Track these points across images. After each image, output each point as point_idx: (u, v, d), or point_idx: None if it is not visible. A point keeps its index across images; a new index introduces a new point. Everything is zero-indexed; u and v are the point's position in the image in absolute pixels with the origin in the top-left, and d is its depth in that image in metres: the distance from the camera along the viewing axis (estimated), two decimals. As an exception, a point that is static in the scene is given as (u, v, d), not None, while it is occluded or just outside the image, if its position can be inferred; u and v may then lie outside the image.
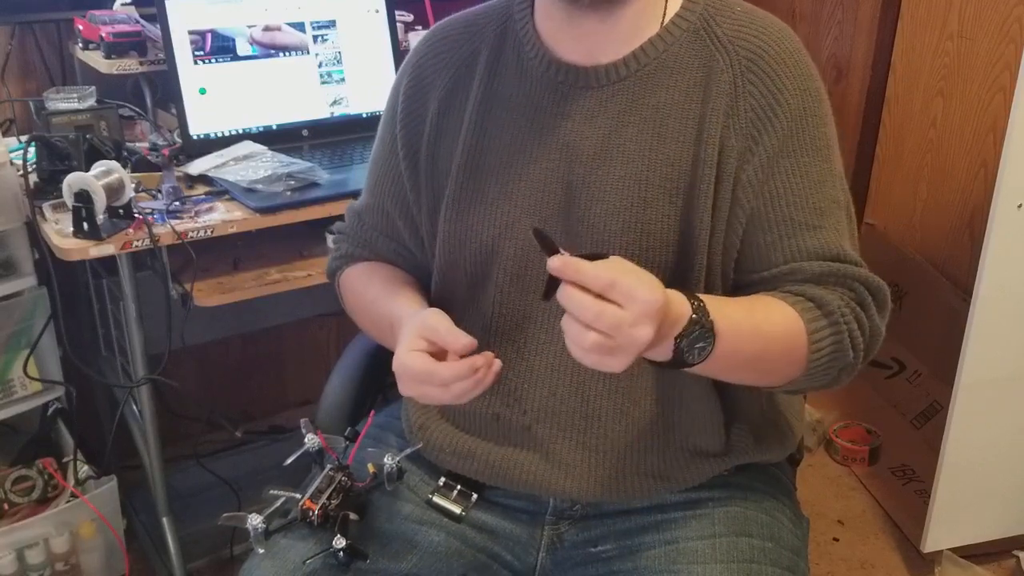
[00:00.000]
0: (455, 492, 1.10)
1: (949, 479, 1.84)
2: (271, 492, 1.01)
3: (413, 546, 1.06)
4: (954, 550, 1.92)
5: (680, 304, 0.87)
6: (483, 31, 1.09)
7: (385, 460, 1.05)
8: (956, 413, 1.79)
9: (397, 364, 0.94)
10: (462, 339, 0.93)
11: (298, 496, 1.01)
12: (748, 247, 1.01)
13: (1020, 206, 1.65)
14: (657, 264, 0.99)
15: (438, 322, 0.95)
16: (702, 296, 0.91)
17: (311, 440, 1.05)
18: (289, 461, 1.05)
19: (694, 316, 0.87)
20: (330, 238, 1.29)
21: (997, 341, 1.75)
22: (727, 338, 0.90)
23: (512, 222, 1.04)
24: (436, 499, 1.10)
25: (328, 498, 1.00)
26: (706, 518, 1.05)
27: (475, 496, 1.10)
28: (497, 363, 0.92)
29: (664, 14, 1.02)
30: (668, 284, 0.86)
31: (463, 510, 1.09)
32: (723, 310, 0.91)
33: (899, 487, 2.21)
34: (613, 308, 0.79)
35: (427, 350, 0.93)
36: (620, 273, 0.80)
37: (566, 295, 0.80)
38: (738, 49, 1.00)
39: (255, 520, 0.98)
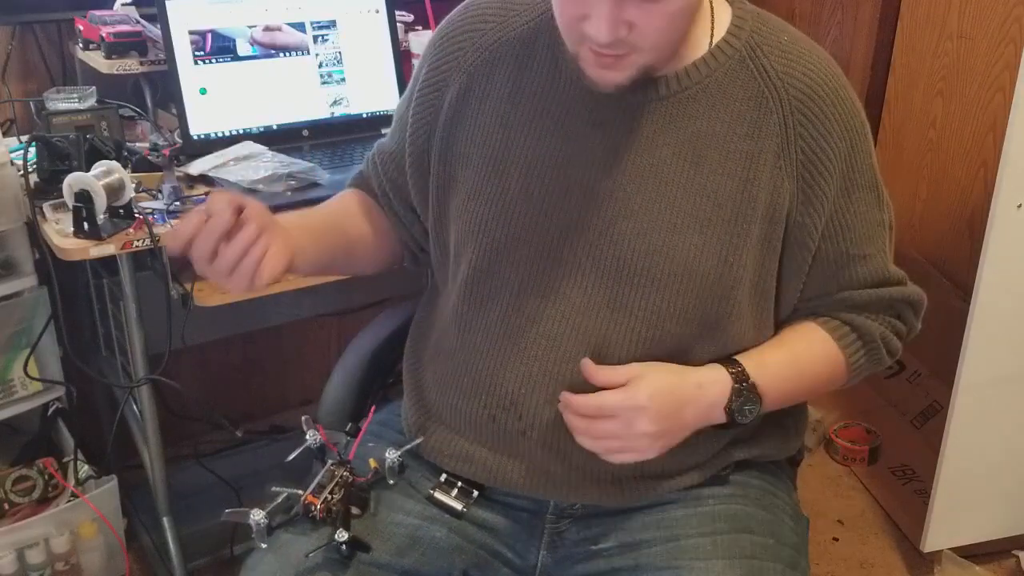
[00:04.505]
0: (456, 489, 1.10)
1: (949, 479, 1.84)
2: (274, 489, 1.02)
3: (415, 541, 1.06)
4: (954, 550, 1.92)
5: (716, 382, 0.98)
6: (519, 17, 1.07)
7: (387, 455, 1.06)
8: (956, 413, 1.79)
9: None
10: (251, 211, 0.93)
11: (300, 492, 1.01)
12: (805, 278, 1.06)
13: (1020, 206, 1.65)
14: (681, 292, 0.99)
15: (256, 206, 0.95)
16: (741, 358, 0.99)
17: (312, 436, 1.05)
18: (291, 457, 1.06)
19: (736, 386, 0.98)
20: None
21: (997, 341, 1.75)
22: (772, 391, 1.01)
23: (530, 223, 1.03)
24: (437, 495, 1.09)
25: (330, 493, 1.00)
26: (707, 515, 1.05)
27: (476, 493, 1.10)
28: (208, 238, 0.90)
29: (712, 36, 1.00)
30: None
31: (464, 507, 1.09)
32: (765, 365, 1.00)
33: (899, 487, 2.21)
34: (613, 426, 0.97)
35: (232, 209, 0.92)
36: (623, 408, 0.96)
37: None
38: (788, 88, 0.99)
39: (258, 515, 0.98)
